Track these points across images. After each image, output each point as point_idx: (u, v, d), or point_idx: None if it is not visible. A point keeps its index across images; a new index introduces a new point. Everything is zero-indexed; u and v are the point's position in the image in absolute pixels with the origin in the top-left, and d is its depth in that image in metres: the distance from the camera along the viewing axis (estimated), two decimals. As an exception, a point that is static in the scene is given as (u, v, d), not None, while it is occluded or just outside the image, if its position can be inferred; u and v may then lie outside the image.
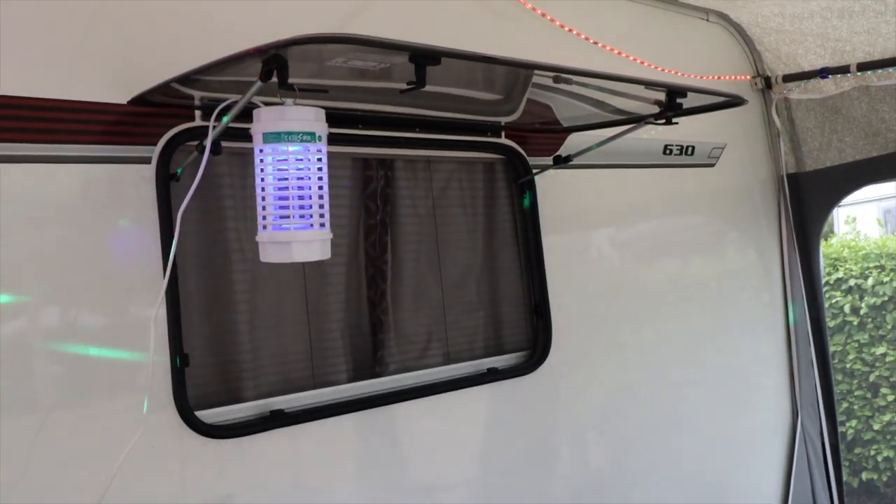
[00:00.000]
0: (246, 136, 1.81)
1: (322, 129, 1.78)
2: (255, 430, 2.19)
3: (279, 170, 1.75)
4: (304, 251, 1.78)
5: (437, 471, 2.65)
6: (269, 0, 2.25)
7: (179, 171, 2.04)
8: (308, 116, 1.76)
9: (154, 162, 2.03)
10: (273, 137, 1.74)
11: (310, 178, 1.76)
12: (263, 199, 1.78)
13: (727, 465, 3.72)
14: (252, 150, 1.80)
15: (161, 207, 2.02)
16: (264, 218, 1.78)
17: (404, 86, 1.72)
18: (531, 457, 2.91)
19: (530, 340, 2.94)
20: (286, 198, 1.75)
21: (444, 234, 2.76)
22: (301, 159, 1.76)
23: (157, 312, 1.92)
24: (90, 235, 1.96)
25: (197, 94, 2.03)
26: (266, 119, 1.76)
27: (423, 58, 1.64)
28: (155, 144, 2.04)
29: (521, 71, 2.12)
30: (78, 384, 1.93)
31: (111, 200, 1.99)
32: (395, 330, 2.60)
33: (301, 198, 1.76)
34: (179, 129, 2.07)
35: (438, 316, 2.73)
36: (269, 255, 1.80)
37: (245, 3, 2.21)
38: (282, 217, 1.76)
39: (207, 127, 1.84)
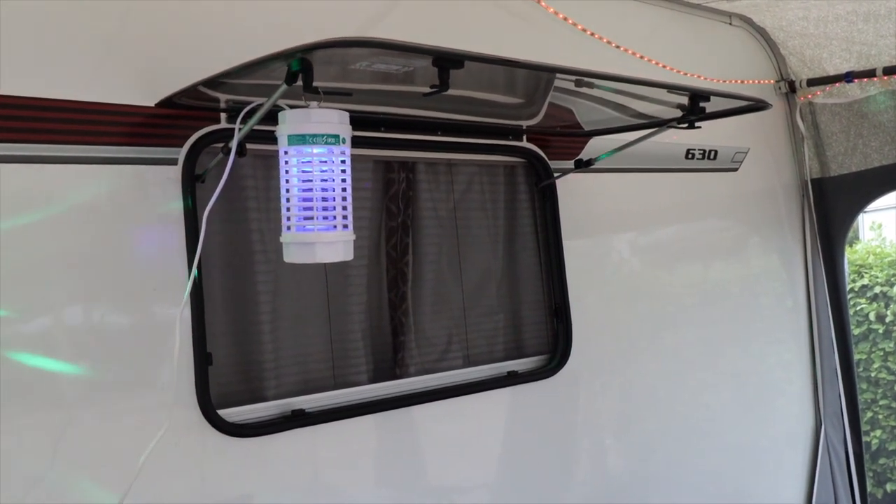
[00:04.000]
0: (271, 138, 1.84)
1: (346, 131, 1.80)
2: (277, 429, 2.21)
3: (303, 171, 1.77)
4: (328, 252, 1.80)
5: (456, 473, 2.65)
6: (294, 3, 2.28)
7: (209, 170, 2.07)
8: (332, 119, 1.78)
9: (180, 163, 2.06)
10: (298, 140, 1.76)
11: (333, 180, 1.78)
12: (287, 200, 1.80)
13: (748, 473, 3.68)
14: (277, 151, 1.82)
15: (187, 208, 2.05)
16: (288, 219, 1.80)
17: (427, 89, 1.73)
18: (550, 460, 2.91)
19: (550, 344, 2.94)
20: (310, 199, 1.77)
21: (464, 236, 2.77)
22: (325, 161, 1.77)
23: (182, 312, 1.95)
24: (117, 235, 2.00)
25: (223, 96, 2.05)
26: (291, 122, 1.78)
27: (446, 61, 1.65)
28: (181, 146, 2.07)
29: (542, 74, 2.12)
30: (103, 381, 1.96)
31: (138, 201, 2.02)
32: (416, 332, 2.61)
33: (325, 199, 1.77)
34: (205, 132, 2.09)
35: (459, 318, 2.74)
36: (292, 255, 1.82)
37: (271, 7, 2.23)
38: (305, 218, 1.78)
39: (233, 129, 1.86)
